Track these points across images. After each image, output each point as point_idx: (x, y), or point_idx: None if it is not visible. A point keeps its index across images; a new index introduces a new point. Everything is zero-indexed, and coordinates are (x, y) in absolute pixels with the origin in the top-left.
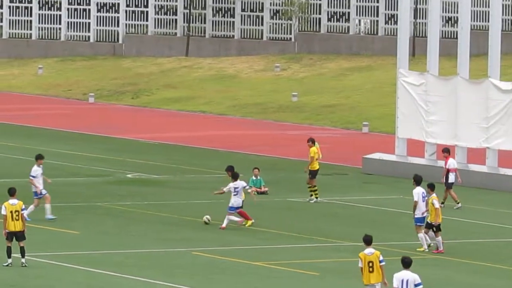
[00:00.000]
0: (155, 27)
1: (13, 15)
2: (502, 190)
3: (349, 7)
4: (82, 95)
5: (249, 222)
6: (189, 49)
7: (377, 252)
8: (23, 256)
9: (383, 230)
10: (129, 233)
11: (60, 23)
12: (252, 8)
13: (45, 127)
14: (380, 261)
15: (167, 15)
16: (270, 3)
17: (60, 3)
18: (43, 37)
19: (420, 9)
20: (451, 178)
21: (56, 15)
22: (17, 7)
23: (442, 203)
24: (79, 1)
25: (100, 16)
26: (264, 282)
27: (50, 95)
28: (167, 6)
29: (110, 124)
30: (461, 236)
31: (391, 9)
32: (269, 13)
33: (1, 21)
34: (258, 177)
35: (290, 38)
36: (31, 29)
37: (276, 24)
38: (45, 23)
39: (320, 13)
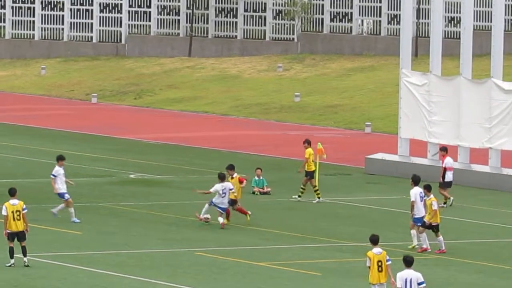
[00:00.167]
0: (157, 28)
1: (15, 16)
2: (504, 190)
3: (351, 8)
4: (84, 95)
5: (248, 217)
6: (192, 49)
7: (384, 251)
8: (25, 255)
9: (386, 230)
10: (132, 233)
11: (62, 24)
12: (254, 8)
13: (47, 128)
14: (387, 261)
15: (169, 15)
16: (273, 4)
17: (63, 4)
18: (46, 38)
19: (422, 9)
20: (449, 176)
21: (59, 15)
22: (20, 8)
23: (445, 203)
24: (81, 2)
25: (102, 17)
26: (266, 282)
27: (53, 96)
28: (169, 6)
29: (112, 124)
30: (463, 236)
31: (394, 9)
32: (271, 13)
33: (4, 22)
34: (261, 177)
35: (293, 39)
36: (33, 30)
37: (278, 24)
38: (47, 24)
39: (322, 14)
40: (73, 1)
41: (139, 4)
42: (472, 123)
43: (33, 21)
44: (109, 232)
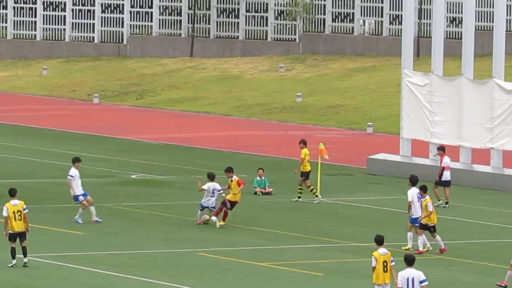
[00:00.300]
0: (159, 28)
1: (17, 16)
2: (506, 191)
3: (353, 8)
4: (86, 95)
5: (222, 223)
6: (194, 49)
7: (389, 252)
8: (25, 255)
9: (386, 230)
10: (134, 234)
11: (64, 24)
12: (256, 8)
13: (49, 128)
14: (391, 261)
15: (171, 15)
16: (275, 4)
17: (65, 4)
18: (48, 38)
19: (424, 9)
20: (446, 175)
21: (61, 16)
22: (22, 8)
23: (446, 203)
24: (83, 2)
25: (104, 17)
26: (268, 283)
27: (55, 96)
28: (171, 6)
29: (114, 124)
30: (464, 236)
31: (396, 10)
32: (273, 13)
33: (6, 22)
34: (263, 178)
35: (295, 39)
36: (35, 30)
37: (280, 24)
38: (49, 24)
39: (324, 14)
40: (74, 2)
41: (141, 4)
42: (474, 124)
43: (35, 22)
44: (111, 232)
